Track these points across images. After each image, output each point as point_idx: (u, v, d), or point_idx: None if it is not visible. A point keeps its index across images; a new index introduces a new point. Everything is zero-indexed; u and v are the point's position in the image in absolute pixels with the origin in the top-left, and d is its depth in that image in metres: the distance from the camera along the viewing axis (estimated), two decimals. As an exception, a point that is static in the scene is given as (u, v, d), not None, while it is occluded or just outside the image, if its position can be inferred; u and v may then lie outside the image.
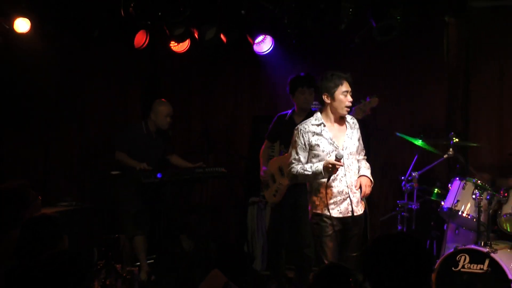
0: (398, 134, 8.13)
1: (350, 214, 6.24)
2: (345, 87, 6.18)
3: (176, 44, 9.01)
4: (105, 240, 6.42)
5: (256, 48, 8.80)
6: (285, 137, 7.72)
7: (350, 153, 6.33)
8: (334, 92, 6.19)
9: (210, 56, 9.66)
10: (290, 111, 7.96)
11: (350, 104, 6.25)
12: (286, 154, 7.64)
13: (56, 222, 4.94)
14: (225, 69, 10.01)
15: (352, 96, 6.27)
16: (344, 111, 6.27)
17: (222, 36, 8.67)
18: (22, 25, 8.25)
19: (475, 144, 8.17)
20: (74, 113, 9.74)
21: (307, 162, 6.27)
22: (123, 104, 10.16)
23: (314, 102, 8.51)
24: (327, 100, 6.25)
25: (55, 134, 9.56)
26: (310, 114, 7.58)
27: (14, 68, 9.08)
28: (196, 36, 8.70)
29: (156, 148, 8.76)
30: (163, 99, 8.81)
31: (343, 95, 6.18)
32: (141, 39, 8.83)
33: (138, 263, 8.52)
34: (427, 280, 3.51)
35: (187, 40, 8.96)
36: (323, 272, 4.19)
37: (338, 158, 5.99)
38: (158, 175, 8.41)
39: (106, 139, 9.39)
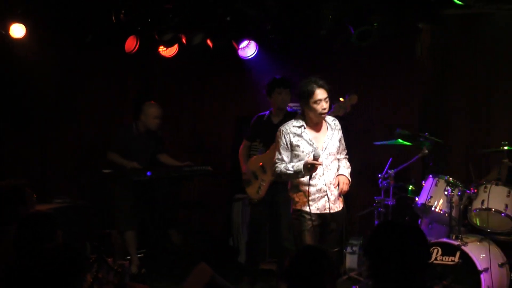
0: (376, 143, 8.20)
1: (327, 211, 6.29)
2: (318, 95, 6.15)
3: (165, 48, 9.02)
4: (98, 235, 6.43)
5: (241, 53, 8.83)
6: (264, 136, 7.89)
7: (330, 153, 6.35)
8: (308, 100, 6.19)
9: (198, 60, 9.69)
10: (267, 112, 8.03)
11: (324, 111, 6.23)
12: (267, 152, 7.76)
13: (50, 218, 4.96)
14: (213, 72, 10.03)
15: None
16: (318, 117, 6.29)
17: (208, 41, 8.73)
18: (17, 30, 8.23)
19: (448, 144, 8.25)
20: (72, 114, 9.74)
21: (291, 161, 6.32)
22: (120, 105, 10.17)
23: (294, 104, 8.60)
24: (303, 106, 6.31)
25: (53, 135, 9.57)
26: (287, 114, 7.73)
27: (14, 70, 9.06)
28: (184, 42, 8.75)
29: (146, 147, 8.79)
30: (152, 101, 8.85)
31: (316, 103, 6.17)
32: (131, 44, 8.81)
33: (129, 257, 8.56)
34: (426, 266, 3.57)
35: (176, 45, 8.97)
36: (300, 253, 4.16)
37: (315, 157, 6.06)
38: (148, 173, 8.48)
39: (103, 139, 9.40)
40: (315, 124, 6.36)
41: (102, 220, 9.06)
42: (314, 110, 6.20)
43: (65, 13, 8.56)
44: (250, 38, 8.73)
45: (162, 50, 9.05)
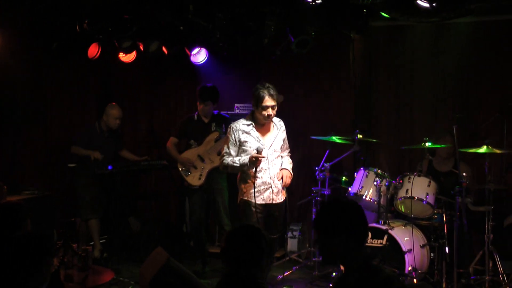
0: (312, 137, 8.24)
1: (271, 202, 6.33)
2: (266, 102, 6.21)
3: (124, 55, 8.99)
4: (63, 222, 6.36)
5: (193, 59, 8.84)
6: (196, 133, 8.12)
7: (274, 150, 6.44)
8: (257, 105, 6.26)
9: (154, 65, 9.65)
10: (196, 113, 8.18)
11: (269, 117, 6.30)
12: (202, 145, 8.03)
13: (20, 208, 4.93)
14: (168, 76, 9.98)
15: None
16: (264, 121, 6.36)
17: (164, 48, 8.72)
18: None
19: (375, 140, 8.32)
20: (39, 114, 9.54)
21: (238, 155, 6.33)
22: (83, 106, 10.05)
23: (244, 105, 8.67)
24: (254, 108, 6.35)
25: (22, 133, 9.36)
26: (213, 115, 8.08)
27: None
28: (142, 49, 8.73)
29: (107, 144, 8.76)
30: (113, 103, 8.81)
31: (263, 109, 6.23)
32: (94, 50, 8.78)
33: (92, 243, 8.51)
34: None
35: (134, 51, 8.95)
36: (236, 229, 4.04)
37: (258, 151, 6.11)
38: (109, 167, 8.45)
39: (67, 137, 9.27)
40: (262, 124, 6.42)
41: (67, 210, 8.97)
42: (262, 114, 6.26)
43: (34, 23, 8.47)
44: (201, 45, 8.74)
45: (121, 56, 9.04)
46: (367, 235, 3.66)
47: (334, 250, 3.52)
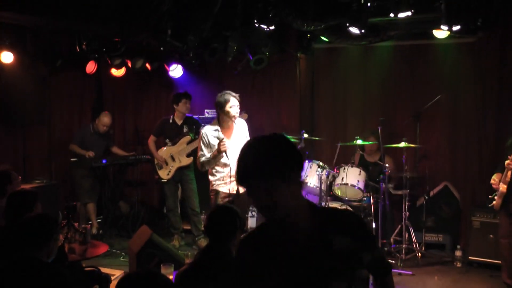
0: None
1: (235, 192, 6.18)
2: (231, 102, 6.07)
3: (115, 70, 9.00)
4: (67, 206, 6.32)
5: (171, 73, 8.85)
6: (170, 133, 8.21)
7: (239, 149, 6.28)
8: (224, 106, 6.10)
9: (139, 78, 9.63)
10: (171, 116, 8.25)
11: (236, 114, 6.12)
12: (176, 145, 8.13)
13: (32, 194, 4.92)
14: (151, 87, 9.95)
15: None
16: (231, 120, 6.16)
17: (147, 65, 8.72)
18: (7, 57, 7.91)
19: (317, 138, 8.40)
20: (45, 118, 9.44)
21: None
22: (79, 112, 9.99)
23: (213, 110, 8.67)
24: (220, 112, 6.19)
25: (32, 133, 9.26)
26: (186, 118, 8.16)
27: (3, 86, 8.66)
28: (129, 65, 8.72)
29: (99, 142, 8.78)
30: (106, 112, 8.82)
31: (231, 108, 6.08)
32: (91, 67, 8.80)
33: (90, 222, 8.47)
34: None
35: (123, 67, 8.96)
36: (217, 210, 4.03)
37: (219, 138, 6.08)
38: (103, 161, 8.52)
39: (68, 136, 9.21)
40: (228, 127, 6.26)
41: (70, 195, 8.91)
42: (228, 114, 6.10)
43: (41, 44, 8.42)
44: (177, 62, 8.75)
45: (113, 71, 9.03)
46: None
47: (273, 194, 2.29)
